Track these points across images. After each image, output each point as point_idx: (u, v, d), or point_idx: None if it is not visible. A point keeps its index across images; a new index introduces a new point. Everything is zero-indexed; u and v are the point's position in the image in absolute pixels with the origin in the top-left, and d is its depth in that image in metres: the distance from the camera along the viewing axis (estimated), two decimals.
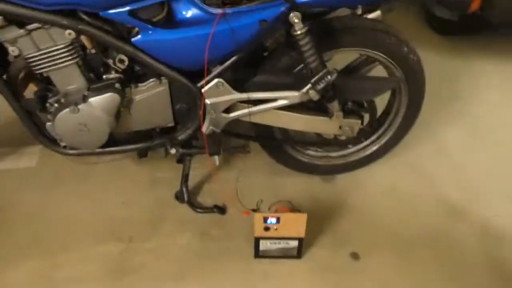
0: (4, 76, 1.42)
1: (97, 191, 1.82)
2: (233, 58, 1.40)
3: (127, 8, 1.28)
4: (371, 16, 1.54)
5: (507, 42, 2.58)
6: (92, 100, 1.40)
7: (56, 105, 1.43)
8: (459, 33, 2.62)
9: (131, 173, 1.90)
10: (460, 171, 1.90)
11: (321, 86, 1.41)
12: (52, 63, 1.36)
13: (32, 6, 1.23)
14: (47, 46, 1.33)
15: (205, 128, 1.50)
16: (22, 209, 1.75)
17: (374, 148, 1.81)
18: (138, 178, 1.88)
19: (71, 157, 1.62)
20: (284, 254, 1.56)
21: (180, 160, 1.82)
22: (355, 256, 1.61)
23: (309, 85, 1.42)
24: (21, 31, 1.30)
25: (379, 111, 1.76)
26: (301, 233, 1.49)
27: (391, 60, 1.56)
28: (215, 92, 1.44)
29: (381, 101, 1.75)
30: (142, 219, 1.72)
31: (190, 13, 1.35)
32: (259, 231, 1.48)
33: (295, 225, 1.47)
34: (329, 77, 1.41)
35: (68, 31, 1.30)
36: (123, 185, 1.85)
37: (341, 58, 1.62)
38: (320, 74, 1.40)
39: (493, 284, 1.53)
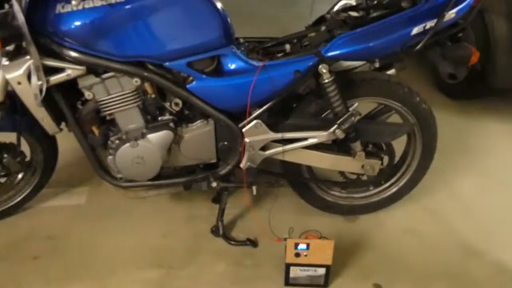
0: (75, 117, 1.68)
1: (140, 225, 2.00)
2: (271, 103, 1.65)
3: (186, 60, 1.56)
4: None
5: (510, 105, 2.87)
6: (150, 136, 1.64)
7: (117, 141, 1.67)
8: (468, 97, 2.92)
9: (170, 210, 2.08)
10: (473, 215, 2.06)
11: (346, 126, 1.64)
12: (119, 105, 1.62)
13: (110, 58, 1.52)
14: (116, 92, 1.60)
15: (244, 164, 1.71)
16: (73, 238, 1.93)
17: (393, 190, 1.98)
18: (177, 214, 2.05)
19: (122, 190, 1.82)
20: (312, 282, 1.69)
21: (215, 199, 2.02)
22: (378, 287, 1.73)
23: (335, 126, 1.65)
24: (97, 79, 1.57)
25: (397, 156, 1.96)
26: (329, 260, 1.63)
27: (405, 108, 1.79)
28: (254, 132, 1.67)
29: (399, 146, 1.95)
30: (181, 249, 1.88)
31: (235, 65, 1.62)
32: (290, 257, 1.63)
33: (323, 251, 1.62)
34: (353, 118, 1.64)
35: (135, 78, 1.58)
36: (163, 220, 2.02)
37: (362, 108, 1.85)
38: (345, 116, 1.64)
39: None
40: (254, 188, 1.74)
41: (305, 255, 1.63)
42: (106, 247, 1.89)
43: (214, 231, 1.93)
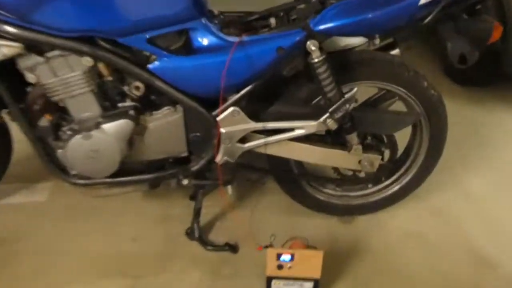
0: (21, 105, 1.42)
1: (106, 226, 1.77)
2: (250, 87, 1.39)
3: (146, 35, 1.29)
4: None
5: None
6: (105, 126, 1.39)
7: (69, 132, 1.42)
8: (479, 83, 2.62)
9: (143, 208, 1.85)
10: (487, 217, 1.80)
11: (339, 115, 1.38)
12: (69, 90, 1.36)
13: (52, 33, 1.26)
14: (64, 74, 1.34)
15: (219, 158, 1.46)
16: (30, 242, 1.70)
17: (395, 188, 1.73)
18: (150, 213, 1.82)
19: (81, 188, 1.57)
20: None
21: (193, 196, 1.77)
22: None
23: (327, 114, 1.38)
24: (40, 58, 1.32)
25: (401, 149, 1.70)
26: (317, 274, 1.39)
27: (410, 95, 1.53)
28: (231, 121, 1.41)
29: (402, 139, 1.69)
30: (151, 255, 1.65)
31: (207, 41, 1.36)
32: (271, 269, 1.39)
33: (311, 263, 1.37)
34: (347, 105, 1.37)
35: (85, 58, 1.32)
36: (133, 220, 1.79)
37: (359, 93, 1.59)
38: (338, 103, 1.37)
39: None
40: (229, 187, 1.49)
41: (289, 267, 1.38)
42: (66, 252, 1.66)
43: (189, 234, 1.69)
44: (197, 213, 1.67)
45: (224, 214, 1.80)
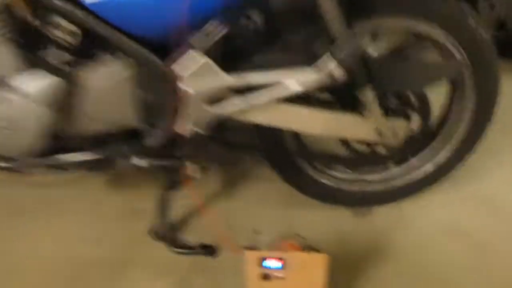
0: None
1: (57, 222, 1.43)
2: (221, 25, 0.99)
3: None
4: None
5: None
6: (23, 85, 1.02)
7: None
8: None
9: (104, 201, 1.50)
10: None
11: (348, 59, 0.97)
12: None
13: None
14: None
15: (183, 128, 1.07)
16: None
17: (427, 169, 1.33)
18: (111, 207, 1.47)
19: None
20: None
21: (171, 186, 1.39)
22: None
23: (329, 55, 0.97)
24: None
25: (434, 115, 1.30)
26: (320, 285, 0.98)
27: (450, 38, 1.13)
28: (196, 74, 1.02)
29: (437, 100, 1.30)
30: (106, 260, 1.30)
31: None
32: (253, 280, 0.99)
33: (310, 271, 0.98)
34: (359, 45, 0.97)
35: None
36: (91, 216, 1.45)
37: None
38: (348, 40, 0.97)
39: None
40: (195, 168, 1.11)
41: (280, 277, 0.98)
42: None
43: (154, 232, 1.31)
44: (164, 205, 1.30)
45: (202, 207, 1.42)
